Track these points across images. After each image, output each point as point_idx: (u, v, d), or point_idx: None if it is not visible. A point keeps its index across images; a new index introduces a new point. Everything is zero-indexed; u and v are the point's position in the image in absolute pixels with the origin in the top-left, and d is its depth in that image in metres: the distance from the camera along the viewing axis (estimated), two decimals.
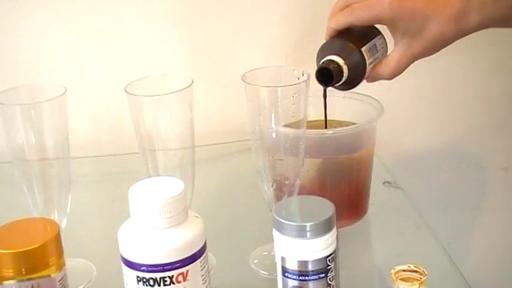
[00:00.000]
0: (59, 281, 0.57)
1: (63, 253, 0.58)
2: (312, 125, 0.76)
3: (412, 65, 1.02)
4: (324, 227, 0.54)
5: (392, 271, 0.57)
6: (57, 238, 0.57)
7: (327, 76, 0.69)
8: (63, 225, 0.67)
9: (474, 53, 1.03)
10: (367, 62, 0.71)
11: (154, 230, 0.53)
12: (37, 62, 0.96)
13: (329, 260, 0.54)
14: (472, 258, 1.11)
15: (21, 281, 0.55)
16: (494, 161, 1.10)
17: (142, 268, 0.53)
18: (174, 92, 0.64)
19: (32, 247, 0.55)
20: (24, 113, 0.63)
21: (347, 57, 0.70)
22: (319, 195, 0.58)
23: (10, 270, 0.55)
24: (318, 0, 0.98)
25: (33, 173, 0.65)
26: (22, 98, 0.64)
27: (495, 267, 1.12)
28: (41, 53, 0.96)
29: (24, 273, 0.55)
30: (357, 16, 0.70)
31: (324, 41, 0.73)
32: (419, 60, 1.02)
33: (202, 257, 0.54)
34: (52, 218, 0.65)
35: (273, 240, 0.56)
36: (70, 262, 0.60)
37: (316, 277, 0.54)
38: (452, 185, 1.10)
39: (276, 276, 0.56)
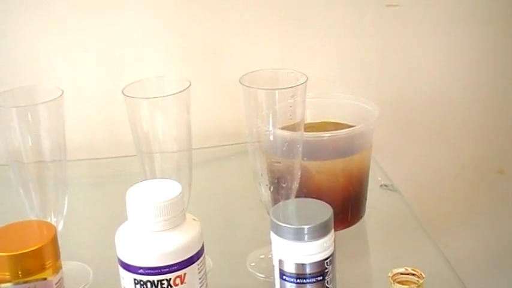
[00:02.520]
0: (56, 284, 0.57)
1: (60, 256, 0.58)
2: (310, 127, 0.76)
3: (408, 69, 1.03)
4: (322, 230, 0.54)
5: (390, 274, 0.57)
6: (54, 241, 0.57)
7: None
8: (59, 227, 0.66)
9: (469, 56, 1.04)
10: None
11: (151, 232, 0.53)
12: (34, 64, 0.96)
13: (327, 263, 0.54)
14: (469, 261, 1.11)
15: (18, 283, 0.55)
16: (490, 163, 1.10)
17: (140, 271, 0.52)
18: (172, 95, 0.64)
19: (28, 250, 0.55)
20: (20, 115, 0.63)
21: None
22: (316, 198, 0.58)
23: (6, 273, 0.54)
24: (313, 2, 0.98)
25: (29, 176, 0.65)
26: (19, 100, 0.64)
27: (492, 270, 1.12)
28: (37, 55, 0.96)
29: (20, 276, 0.55)
30: None
31: None
32: (416, 63, 1.02)
33: (199, 260, 0.54)
34: (49, 220, 0.65)
35: (271, 243, 0.56)
36: (67, 265, 0.60)
37: (313, 280, 0.54)
38: (449, 187, 1.10)
39: (273, 279, 0.56)
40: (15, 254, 0.54)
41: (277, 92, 0.63)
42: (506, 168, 1.11)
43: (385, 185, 0.86)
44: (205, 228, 0.56)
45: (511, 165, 1.10)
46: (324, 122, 0.80)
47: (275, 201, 0.66)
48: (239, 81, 0.64)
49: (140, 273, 0.52)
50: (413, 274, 0.57)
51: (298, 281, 0.54)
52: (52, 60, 0.96)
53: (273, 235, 0.55)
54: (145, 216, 0.52)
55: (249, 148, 0.67)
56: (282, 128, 0.65)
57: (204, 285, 0.55)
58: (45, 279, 0.56)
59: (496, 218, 1.13)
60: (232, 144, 0.96)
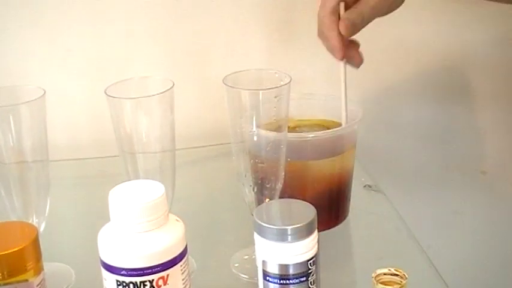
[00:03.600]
0: (37, 285, 0.56)
1: (42, 257, 0.58)
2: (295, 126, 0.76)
3: (394, 69, 1.03)
4: (305, 231, 0.54)
5: (373, 274, 0.57)
6: (36, 242, 0.57)
7: None
8: (41, 229, 0.66)
9: (453, 57, 1.04)
10: None
11: (134, 233, 0.52)
12: (16, 64, 0.95)
13: (310, 263, 0.54)
14: (451, 262, 1.11)
15: None
16: (473, 164, 1.11)
17: (122, 272, 0.52)
18: (155, 95, 0.63)
19: (9, 251, 0.54)
20: (2, 115, 0.62)
21: None
22: (300, 199, 0.58)
23: None
24: (297, 4, 0.98)
25: (11, 176, 0.64)
26: (0, 100, 0.63)
27: (474, 270, 1.13)
28: (19, 54, 0.95)
29: (1, 277, 0.54)
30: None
31: None
32: (400, 64, 1.03)
33: (182, 261, 0.54)
34: (30, 221, 0.65)
35: (254, 244, 0.56)
36: (48, 266, 0.59)
37: (297, 281, 0.54)
38: (432, 188, 1.11)
39: (257, 280, 0.56)
40: None
41: (261, 92, 0.63)
42: (489, 169, 1.11)
43: (369, 186, 0.86)
44: (189, 229, 0.55)
45: (493, 166, 1.11)
46: (309, 120, 0.80)
47: (259, 201, 0.66)
48: (223, 81, 0.64)
49: (123, 275, 0.52)
50: (396, 275, 0.57)
51: (281, 281, 0.54)
52: (35, 60, 0.96)
53: (256, 236, 0.55)
54: (128, 217, 0.52)
55: (233, 148, 0.67)
56: (266, 129, 0.65)
57: (188, 286, 0.55)
58: (26, 280, 0.55)
59: (478, 218, 1.13)
60: (216, 145, 0.96)
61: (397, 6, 0.73)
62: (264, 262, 0.54)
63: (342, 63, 0.74)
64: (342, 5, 0.72)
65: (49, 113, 0.65)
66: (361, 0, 0.71)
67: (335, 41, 0.72)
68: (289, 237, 0.53)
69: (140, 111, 0.64)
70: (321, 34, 0.73)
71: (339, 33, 0.71)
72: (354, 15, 0.71)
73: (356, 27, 0.71)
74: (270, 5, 0.98)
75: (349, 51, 0.74)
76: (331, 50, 0.73)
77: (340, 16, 0.72)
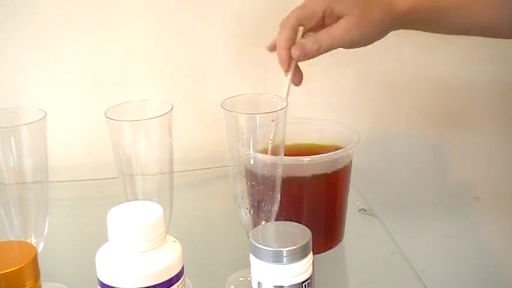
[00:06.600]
0: None
1: (40, 277, 0.58)
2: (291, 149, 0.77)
3: (387, 94, 1.05)
4: (301, 253, 0.54)
5: None
6: (34, 262, 0.57)
7: None
8: (40, 248, 0.66)
9: (446, 83, 1.06)
10: None
11: (132, 254, 0.53)
12: (16, 86, 0.96)
13: (305, 285, 0.55)
14: (445, 286, 1.12)
15: None
16: (467, 190, 1.12)
17: None
18: (154, 118, 0.64)
19: (8, 270, 0.54)
20: (3, 136, 0.63)
21: None
22: (295, 221, 0.58)
23: None
24: None
25: (10, 197, 0.65)
26: (1, 121, 0.64)
27: None
28: (20, 77, 0.96)
29: None
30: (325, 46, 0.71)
31: None
32: (395, 89, 1.04)
33: (179, 282, 0.54)
34: (29, 241, 0.65)
35: (250, 266, 0.56)
36: (46, 286, 0.59)
37: None
38: (426, 213, 1.11)
39: None
40: None
41: (258, 116, 0.64)
42: (482, 194, 1.12)
43: (364, 210, 0.87)
44: (186, 250, 0.56)
45: (487, 192, 1.12)
46: (306, 144, 0.80)
47: (255, 224, 0.67)
48: (220, 105, 0.65)
49: None
50: None
51: None
52: (36, 82, 0.97)
53: (252, 257, 0.55)
54: (126, 237, 0.53)
55: (230, 171, 0.67)
56: (262, 152, 0.66)
57: None
58: None
59: (472, 243, 1.14)
60: (213, 168, 0.96)
61: (368, 43, 0.73)
62: (259, 283, 0.55)
63: (288, 77, 0.74)
64: (301, 29, 0.72)
65: (49, 135, 0.66)
66: (325, 29, 0.71)
67: (283, 53, 0.72)
68: (285, 259, 0.54)
69: (139, 133, 0.65)
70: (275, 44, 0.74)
71: (289, 49, 0.71)
72: (310, 44, 0.71)
73: (308, 55, 0.71)
74: (268, 30, 0.99)
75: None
76: (280, 61, 0.73)
77: (296, 40, 0.72)
